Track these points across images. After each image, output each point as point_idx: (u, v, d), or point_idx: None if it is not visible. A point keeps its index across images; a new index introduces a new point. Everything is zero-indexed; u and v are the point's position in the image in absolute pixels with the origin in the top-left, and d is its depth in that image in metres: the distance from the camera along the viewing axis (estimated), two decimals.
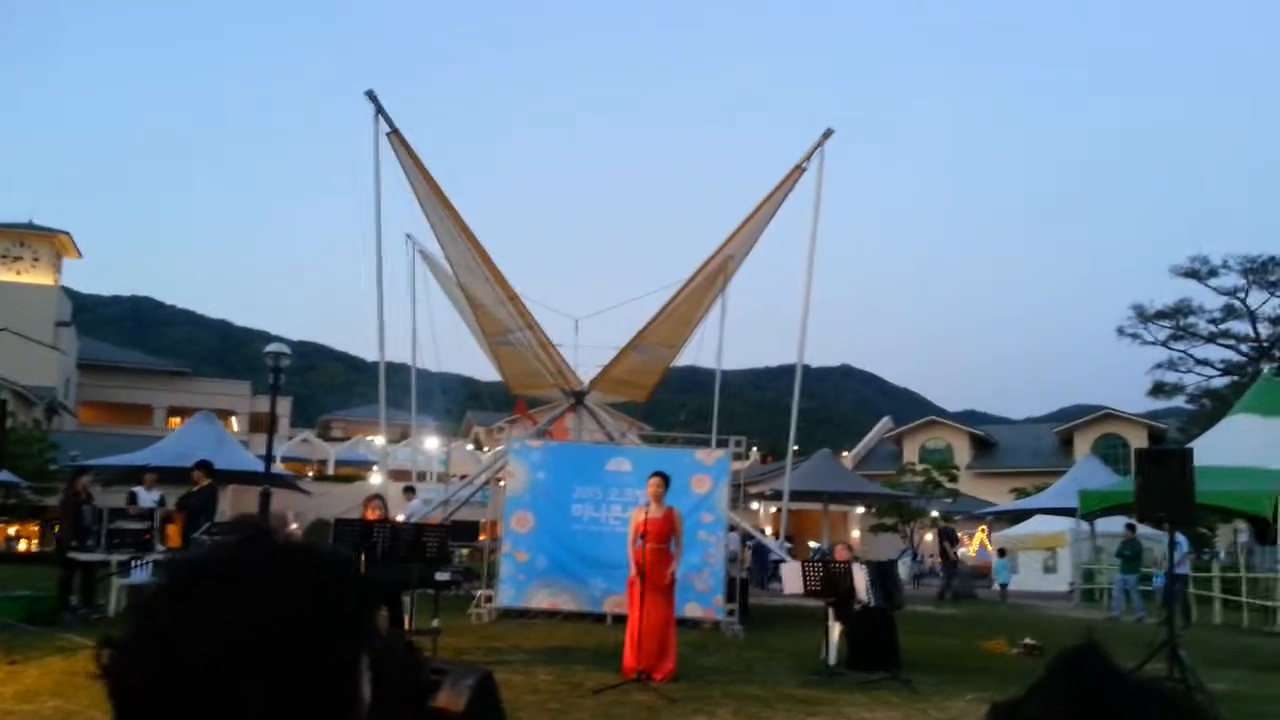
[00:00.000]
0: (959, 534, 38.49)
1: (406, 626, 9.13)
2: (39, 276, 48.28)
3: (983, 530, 37.93)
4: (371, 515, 9.48)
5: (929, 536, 39.31)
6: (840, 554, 10.66)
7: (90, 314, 76.18)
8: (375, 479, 33.68)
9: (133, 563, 11.87)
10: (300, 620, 0.87)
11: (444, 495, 20.08)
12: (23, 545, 30.73)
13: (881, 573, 10.01)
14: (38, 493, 27.28)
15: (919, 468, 39.02)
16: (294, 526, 29.55)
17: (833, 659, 9.82)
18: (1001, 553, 28.43)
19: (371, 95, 15.95)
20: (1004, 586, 26.53)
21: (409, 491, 15.49)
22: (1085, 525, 22.59)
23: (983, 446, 54.86)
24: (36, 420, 38.75)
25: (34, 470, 26.32)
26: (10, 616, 9.97)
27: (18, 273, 47.94)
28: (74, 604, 11.86)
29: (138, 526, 12.02)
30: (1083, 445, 48.68)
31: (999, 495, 41.51)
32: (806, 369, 17.97)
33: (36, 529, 31.88)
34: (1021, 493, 36.47)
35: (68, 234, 50.32)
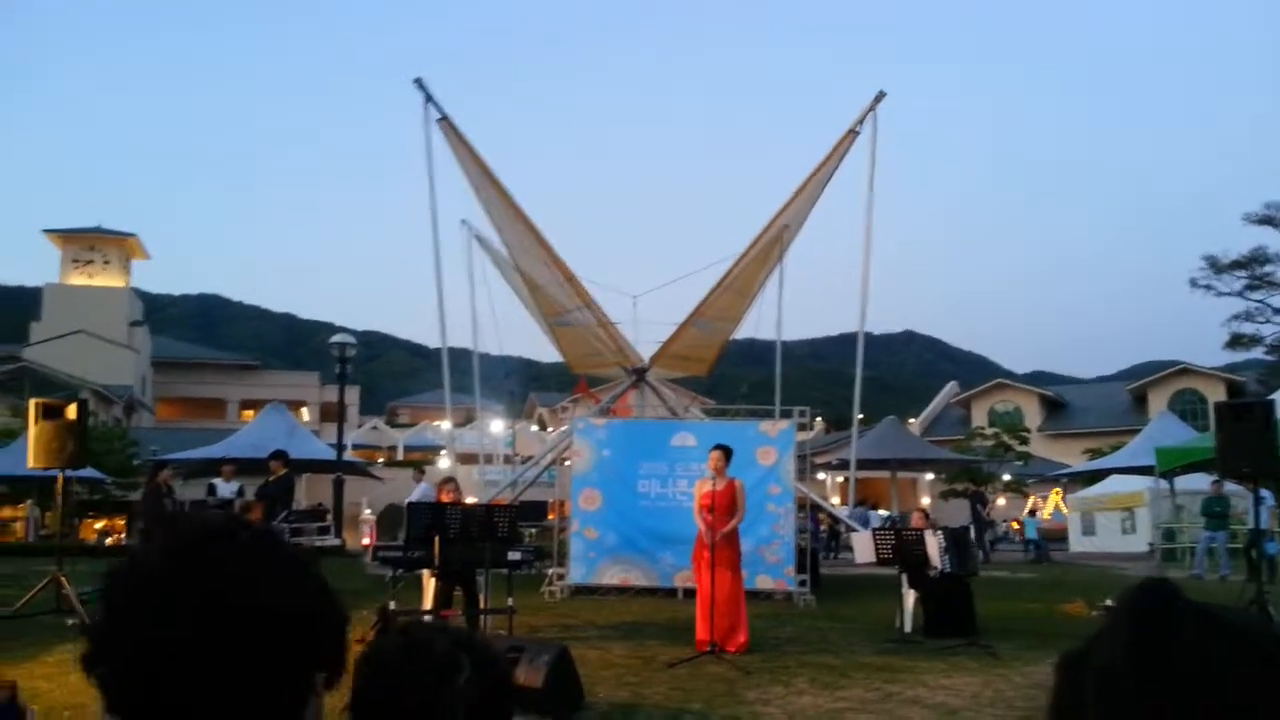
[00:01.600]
0: (1031, 496, 37.89)
1: (481, 605, 9.26)
2: (110, 279, 49.74)
3: (1056, 493, 37.23)
4: (445, 498, 9.61)
5: (1001, 501, 38.77)
6: (917, 520, 10.55)
7: (160, 313, 78.27)
8: (444, 463, 34.18)
9: None
10: (249, 607, 0.92)
11: (512, 476, 20.30)
12: (110, 540, 31.82)
13: (955, 539, 9.89)
14: (121, 488, 28.23)
15: (989, 431, 38.43)
16: (367, 513, 30.17)
17: (908, 627, 9.75)
18: (1032, 513, 28.03)
19: (420, 83, 16.04)
20: (1036, 545, 26.49)
21: (419, 472, 15.94)
22: (1164, 483, 22.05)
23: (1053, 408, 53.83)
24: (116, 418, 40.01)
25: (116, 466, 27.20)
26: None
27: (90, 276, 49.43)
28: None
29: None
30: (1158, 402, 47.47)
31: (1072, 457, 40.67)
32: (868, 336, 17.73)
33: (123, 523, 33.00)
34: (1096, 453, 35.71)
35: (135, 236, 51.72)
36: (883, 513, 31.32)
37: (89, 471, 22.23)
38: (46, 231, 50.34)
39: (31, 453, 9.61)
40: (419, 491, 14.56)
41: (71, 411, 9.86)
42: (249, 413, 48.73)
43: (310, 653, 0.97)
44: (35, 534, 26.35)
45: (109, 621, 0.95)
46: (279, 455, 13.44)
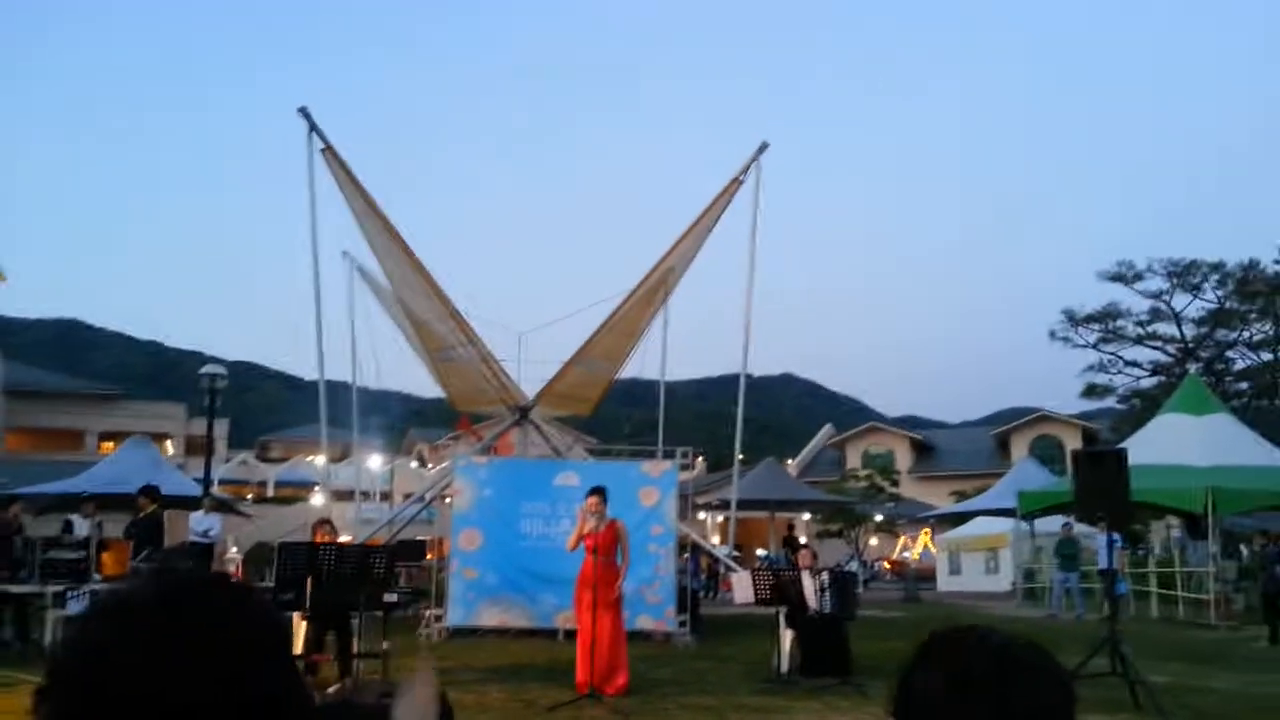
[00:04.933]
0: (901, 536, 39.01)
1: (354, 650, 9.00)
2: None
3: (925, 533, 38.52)
4: (320, 538, 9.33)
5: (873, 540, 39.83)
6: (804, 559, 10.74)
7: (15, 337, 73.94)
8: (317, 499, 33.13)
9: (68, 594, 11.51)
10: (208, 642, 0.94)
11: (389, 514, 19.83)
12: None
13: (837, 580, 10.11)
14: None
15: (862, 473, 39.53)
16: (234, 551, 28.96)
17: (784, 666, 9.90)
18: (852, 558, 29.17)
19: (304, 112, 15.77)
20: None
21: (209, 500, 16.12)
22: (1025, 525, 23.08)
23: (923, 451, 55.76)
24: None
25: None
26: None
27: None
28: (7, 639, 11.49)
29: (73, 556, 11.67)
30: (1019, 447, 49.74)
31: (940, 498, 42.22)
32: (749, 378, 18.11)
33: None
34: (962, 495, 37.13)
35: None
36: (760, 552, 31.82)
37: None
38: None
39: None
40: (205, 523, 14.30)
41: None
42: (109, 445, 46.29)
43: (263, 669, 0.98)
44: None
45: (79, 654, 0.94)
46: (148, 491, 12.83)
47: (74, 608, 11.68)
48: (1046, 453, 45.22)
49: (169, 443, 48.22)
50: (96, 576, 12.04)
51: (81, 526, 13.09)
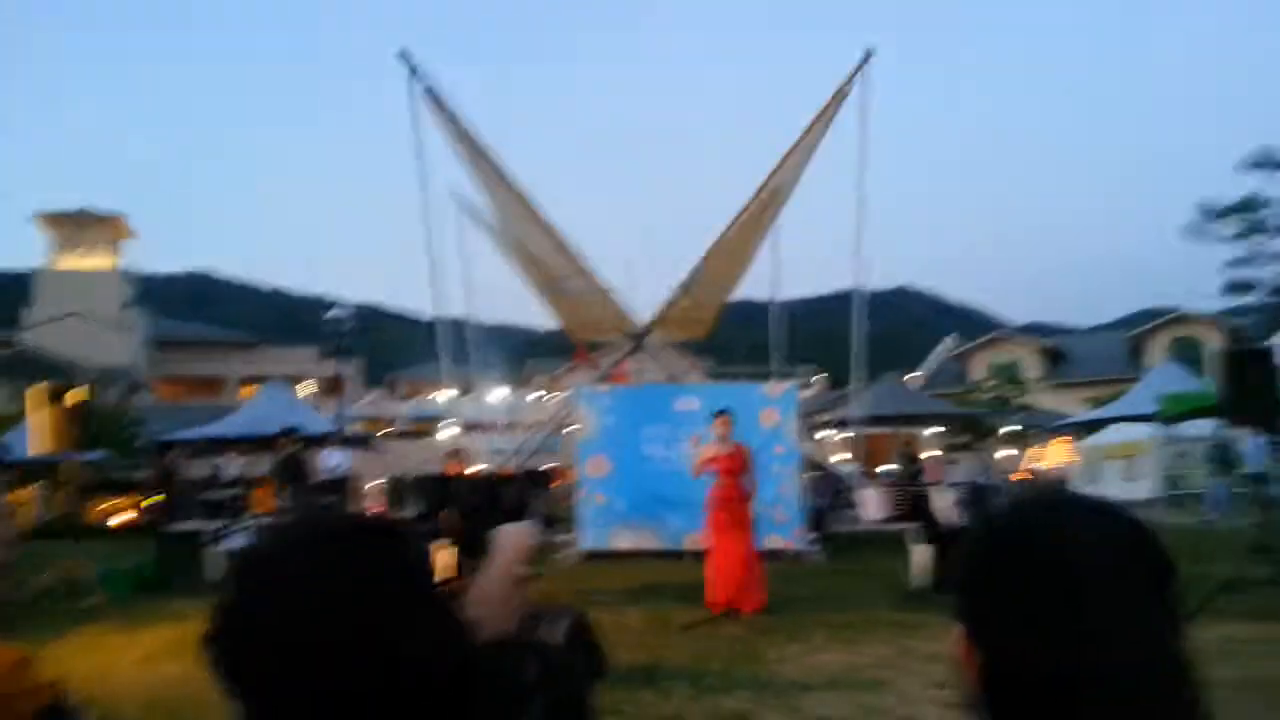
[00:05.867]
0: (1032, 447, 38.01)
1: None
2: (100, 260, 49.48)
3: (1059, 442, 37.41)
4: (452, 470, 9.63)
5: (1003, 452, 38.93)
6: (932, 472, 10.57)
7: (153, 292, 77.91)
8: (443, 433, 34.23)
9: (226, 530, 12.24)
10: (360, 591, 0.96)
11: (515, 445, 20.34)
12: (117, 520, 31.91)
13: (975, 495, 9.92)
14: (125, 469, 28.27)
15: (988, 384, 38.55)
16: (372, 483, 30.25)
17: (919, 582, 9.81)
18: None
19: (404, 55, 15.87)
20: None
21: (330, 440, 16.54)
22: (1166, 430, 22.13)
23: (1053, 358, 53.90)
24: (116, 399, 39.95)
25: (120, 446, 27.21)
26: (119, 589, 10.37)
27: (80, 258, 49.19)
28: (175, 573, 12.29)
29: (227, 495, 12.39)
30: (1156, 350, 47.59)
31: (1074, 406, 40.83)
32: (865, 292, 17.70)
33: (128, 503, 33.06)
34: (1096, 402, 35.86)
35: (123, 216, 51.42)
36: (885, 468, 31.47)
37: (96, 454, 22.25)
38: (36, 215, 50.03)
39: (38, 438, 9.59)
40: (333, 459, 14.76)
41: (75, 396, 9.84)
42: (248, 389, 48.68)
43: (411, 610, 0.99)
44: (43, 517, 26.40)
45: (238, 603, 0.97)
46: (288, 432, 13.43)
47: (232, 543, 12.43)
48: (1185, 355, 43.09)
49: (304, 385, 50.39)
50: (250, 513, 12.76)
51: (231, 467, 13.83)
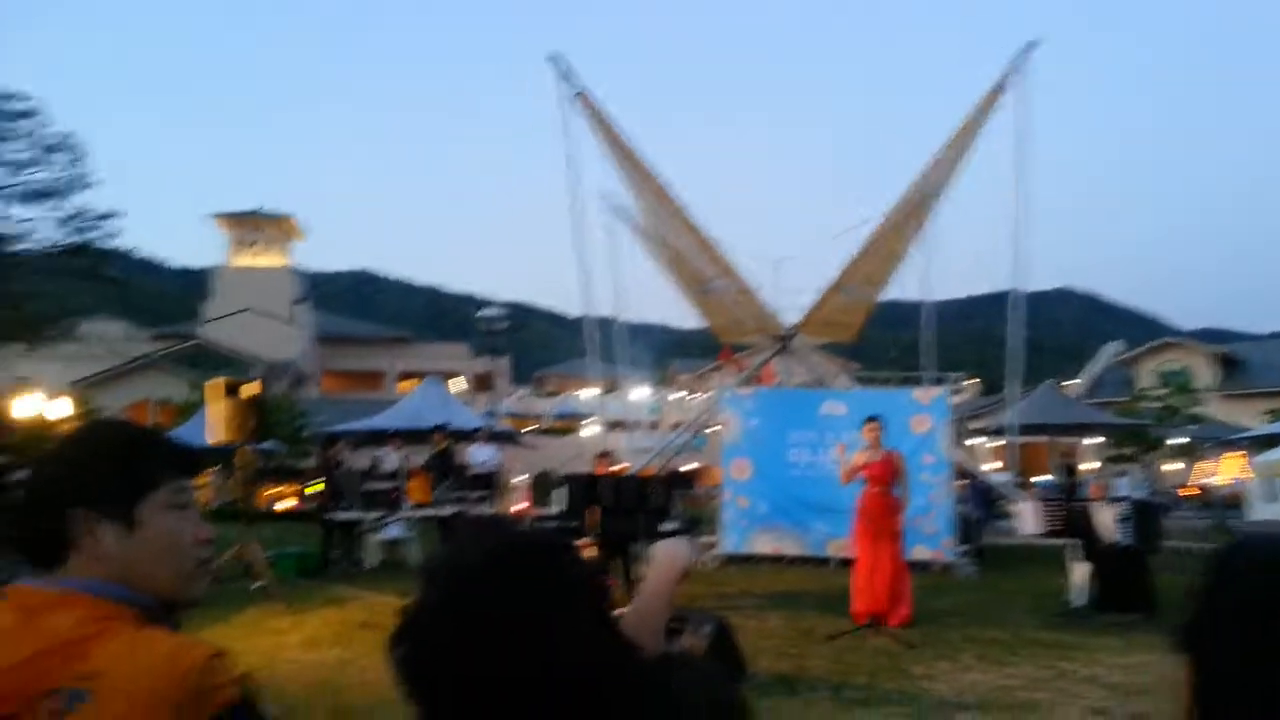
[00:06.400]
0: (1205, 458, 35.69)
1: (635, 577, 9.39)
2: (272, 259, 52.51)
3: (1235, 456, 35.03)
4: (601, 469, 9.78)
5: (1172, 465, 36.72)
6: (1095, 490, 10.10)
7: (318, 289, 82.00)
8: (589, 430, 34.76)
9: (384, 519, 12.80)
10: (530, 613, 1.00)
11: (659, 444, 20.47)
12: (281, 506, 33.76)
13: (1141, 512, 9.41)
14: (293, 457, 29.93)
15: (1156, 393, 36.45)
16: (520, 479, 31.03)
17: (1078, 601, 9.38)
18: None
19: (555, 59, 16.17)
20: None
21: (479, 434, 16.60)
22: None
23: (1229, 366, 50.54)
24: (284, 391, 42.33)
25: (287, 436, 28.83)
26: (284, 572, 10.97)
27: (254, 257, 52.33)
28: (336, 559, 12.95)
29: (386, 486, 12.94)
30: None
31: (1250, 419, 38.14)
32: (1022, 294, 16.99)
33: (293, 490, 34.96)
34: (1276, 415, 33.41)
35: (293, 217, 54.39)
36: (1042, 479, 30.17)
37: (267, 444, 23.65)
38: (214, 216, 53.48)
39: (215, 428, 10.23)
40: (482, 454, 14.96)
41: (250, 389, 10.46)
42: (405, 383, 50.69)
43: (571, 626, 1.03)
44: (218, 501, 28.22)
45: (426, 607, 1.04)
46: (441, 429, 13.94)
47: (391, 532, 12.99)
48: None
49: (456, 380, 52.13)
50: (407, 503, 13.29)
51: (390, 460, 14.44)
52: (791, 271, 18.07)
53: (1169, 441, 33.98)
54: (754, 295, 17.70)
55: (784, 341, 18.03)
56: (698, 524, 14.80)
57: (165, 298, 73.12)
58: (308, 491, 20.92)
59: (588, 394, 36.93)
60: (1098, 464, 30.45)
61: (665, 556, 1.56)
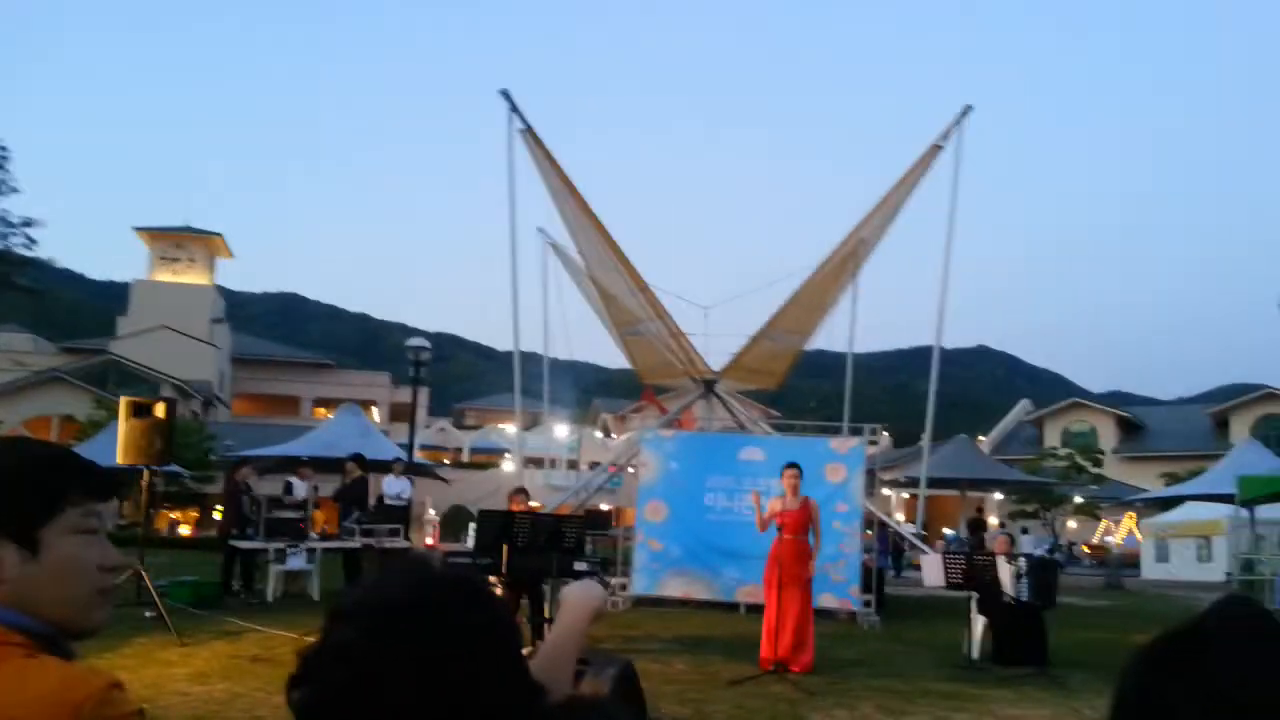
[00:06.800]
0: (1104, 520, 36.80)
1: (546, 614, 9.32)
2: (195, 276, 51.22)
3: (1130, 517, 36.23)
4: (516, 506, 9.71)
5: (1072, 523, 37.78)
6: (1000, 545, 10.34)
7: (241, 310, 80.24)
8: (508, 466, 34.46)
9: (288, 550, 12.49)
10: (448, 651, 0.98)
11: (576, 483, 20.41)
12: (184, 530, 32.73)
13: (1038, 569, 9.67)
14: (197, 481, 29.04)
15: (1062, 452, 37.58)
16: (432, 513, 30.55)
17: (976, 653, 9.58)
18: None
19: (505, 94, 16.25)
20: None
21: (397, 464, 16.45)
22: (1244, 512, 21.31)
23: (1130, 429, 52.39)
24: (194, 412, 41.13)
25: (194, 460, 27.99)
26: (178, 601, 10.62)
27: (176, 273, 50.97)
28: (235, 589, 12.58)
29: (293, 516, 12.64)
30: (1240, 427, 45.95)
31: (1148, 480, 39.57)
32: (942, 350, 17.47)
33: (196, 515, 33.91)
34: (1173, 478, 34.71)
35: (221, 235, 53.19)
36: (948, 532, 30.78)
37: (171, 467, 22.93)
38: (137, 229, 52.01)
39: (121, 449, 9.92)
40: (396, 486, 14.76)
41: (160, 410, 10.17)
42: (322, 410, 49.74)
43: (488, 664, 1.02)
44: (114, 525, 27.22)
45: (339, 645, 1.00)
46: (356, 458, 13.71)
47: (293, 563, 12.67)
48: (1272, 434, 41.55)
49: (375, 409, 51.28)
50: (313, 534, 12.99)
51: (300, 488, 14.13)
52: (721, 318, 18.24)
53: (1073, 500, 35.02)
54: (683, 339, 17.87)
55: (708, 386, 18.21)
56: (609, 565, 14.76)
57: (82, 310, 70.79)
58: (213, 517, 20.33)
59: (509, 429, 36.66)
60: (1004, 522, 31.17)
61: (577, 598, 1.55)
